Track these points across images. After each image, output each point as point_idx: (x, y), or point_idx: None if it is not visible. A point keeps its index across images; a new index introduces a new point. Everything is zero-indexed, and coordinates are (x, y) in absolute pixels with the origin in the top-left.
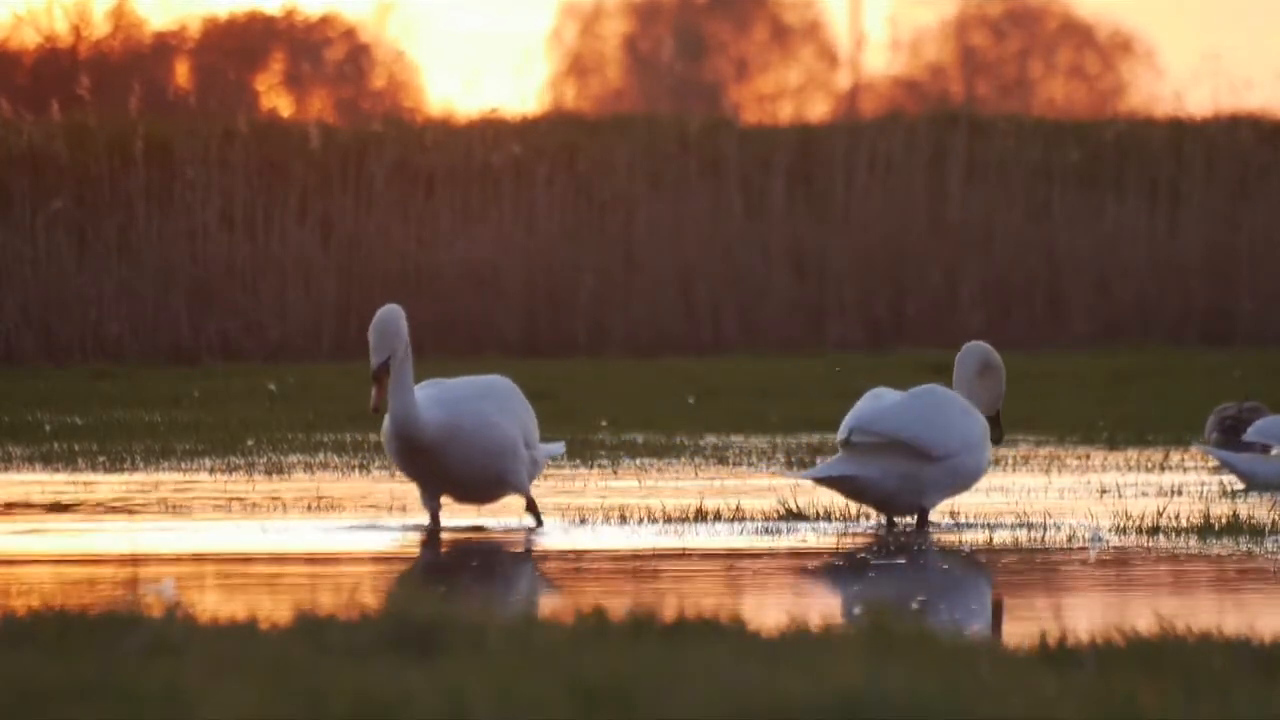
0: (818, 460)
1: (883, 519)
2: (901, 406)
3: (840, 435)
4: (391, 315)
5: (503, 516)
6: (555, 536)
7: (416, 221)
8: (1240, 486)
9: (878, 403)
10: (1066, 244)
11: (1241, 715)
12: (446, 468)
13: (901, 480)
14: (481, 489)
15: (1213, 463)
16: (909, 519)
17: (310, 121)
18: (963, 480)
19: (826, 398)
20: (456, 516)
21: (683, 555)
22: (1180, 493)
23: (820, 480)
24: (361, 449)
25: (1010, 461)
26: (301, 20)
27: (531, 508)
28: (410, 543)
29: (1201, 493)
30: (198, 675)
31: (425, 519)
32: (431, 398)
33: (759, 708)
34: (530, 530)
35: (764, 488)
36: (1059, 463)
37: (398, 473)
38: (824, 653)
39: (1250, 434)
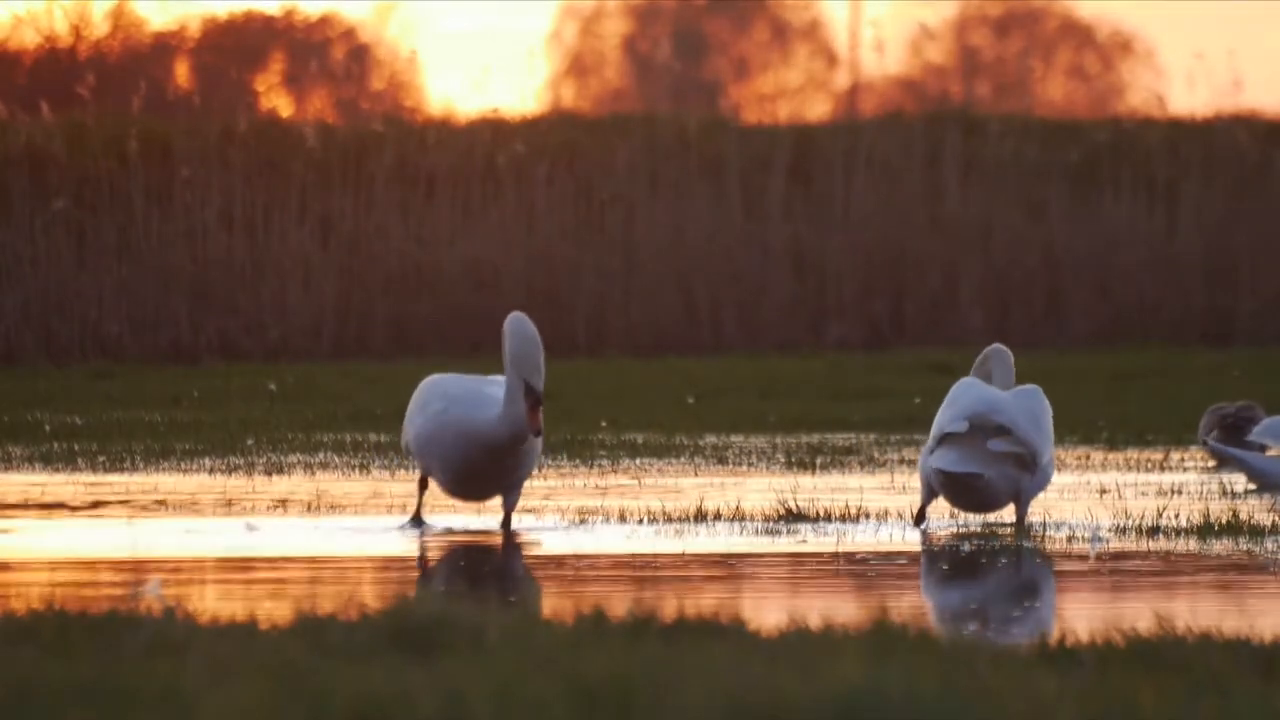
0: (818, 460)
1: (887, 519)
2: (1022, 410)
3: (952, 426)
4: (531, 328)
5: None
6: (555, 537)
7: (417, 221)
8: (1243, 486)
9: (1000, 396)
10: (1065, 244)
11: (1241, 715)
12: (505, 468)
13: (1010, 483)
14: (506, 488)
15: (1212, 462)
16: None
17: (310, 121)
18: (1043, 486)
19: (826, 398)
20: (456, 517)
21: (682, 556)
22: (1180, 493)
23: (951, 473)
24: (361, 449)
25: None
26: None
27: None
28: (410, 543)
29: (1201, 493)
30: (198, 675)
31: (424, 519)
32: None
33: (759, 708)
34: (528, 530)
35: (764, 487)
36: (1059, 463)
37: (398, 471)
38: (824, 653)
39: (1255, 434)
